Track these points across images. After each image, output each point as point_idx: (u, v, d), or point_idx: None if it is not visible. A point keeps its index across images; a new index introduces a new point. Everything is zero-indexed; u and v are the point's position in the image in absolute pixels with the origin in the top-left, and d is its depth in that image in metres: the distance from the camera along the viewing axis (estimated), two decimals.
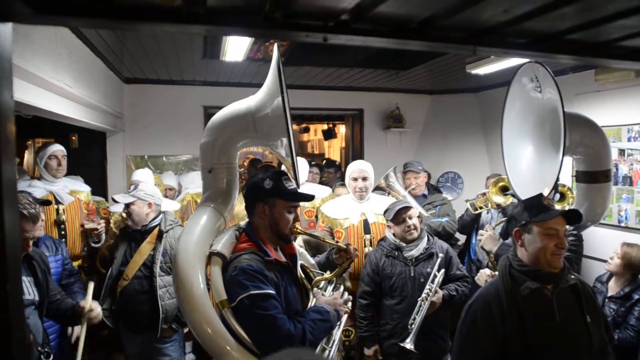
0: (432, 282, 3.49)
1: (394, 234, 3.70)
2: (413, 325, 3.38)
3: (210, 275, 2.40)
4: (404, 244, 3.64)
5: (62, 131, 6.10)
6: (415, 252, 3.59)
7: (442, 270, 3.55)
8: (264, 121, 2.48)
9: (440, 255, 3.59)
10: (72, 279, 3.69)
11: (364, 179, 4.14)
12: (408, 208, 3.65)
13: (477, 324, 2.28)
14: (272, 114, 2.42)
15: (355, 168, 4.20)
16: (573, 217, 2.39)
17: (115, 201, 3.70)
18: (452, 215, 5.06)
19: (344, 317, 2.64)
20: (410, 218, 3.62)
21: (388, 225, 3.78)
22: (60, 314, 2.95)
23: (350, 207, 4.17)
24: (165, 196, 5.04)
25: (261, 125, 2.50)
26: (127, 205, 3.62)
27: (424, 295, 3.43)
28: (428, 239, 3.70)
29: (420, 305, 3.41)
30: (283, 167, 2.78)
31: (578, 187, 3.39)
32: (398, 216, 3.64)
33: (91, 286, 2.99)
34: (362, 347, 3.71)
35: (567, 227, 2.38)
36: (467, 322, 2.34)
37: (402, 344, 3.35)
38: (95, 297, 3.07)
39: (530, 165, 3.25)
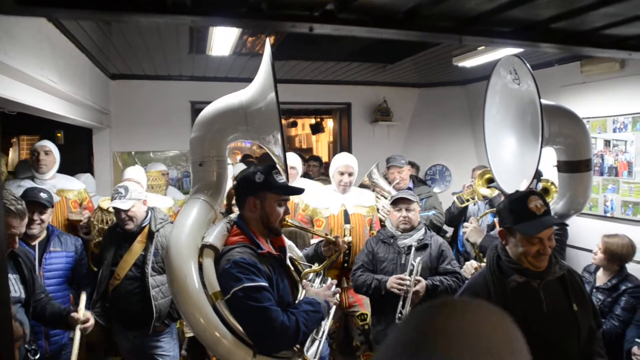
0: (411, 274, 3.51)
1: (391, 222, 3.79)
2: (402, 319, 3.39)
3: (202, 267, 2.40)
4: (399, 233, 3.71)
5: (47, 128, 6.06)
6: (409, 241, 3.65)
7: (419, 259, 3.56)
8: (256, 115, 2.49)
9: (431, 247, 3.63)
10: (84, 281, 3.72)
11: (350, 174, 4.23)
12: (410, 201, 3.72)
13: None
14: (264, 108, 2.43)
15: (342, 162, 4.26)
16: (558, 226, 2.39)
17: (116, 209, 3.55)
18: (438, 208, 5.07)
19: (333, 309, 2.66)
20: (407, 210, 3.70)
21: (388, 211, 3.90)
22: (46, 317, 2.91)
23: (331, 198, 4.25)
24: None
25: (253, 119, 2.51)
26: (127, 210, 3.53)
27: (405, 287, 3.45)
28: (425, 232, 3.76)
29: (405, 298, 3.43)
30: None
31: (560, 177, 3.42)
32: (396, 203, 3.74)
33: (83, 297, 2.95)
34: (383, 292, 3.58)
35: None
36: None
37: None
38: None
39: (513, 158, 3.28)
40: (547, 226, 2.24)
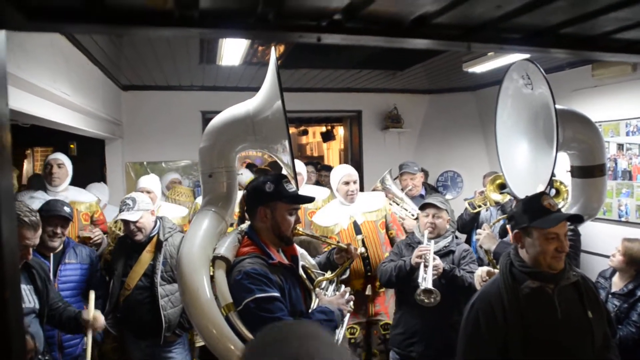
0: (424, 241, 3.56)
1: (419, 228, 3.79)
2: (423, 281, 3.33)
3: (214, 279, 2.40)
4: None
5: (60, 139, 6.12)
6: (435, 248, 3.61)
7: (433, 241, 3.57)
8: (263, 124, 2.50)
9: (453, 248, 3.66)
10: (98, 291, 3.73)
11: (355, 182, 4.19)
12: (438, 208, 3.69)
13: (480, 323, 2.27)
14: (271, 117, 2.43)
15: (345, 172, 4.21)
16: (574, 220, 2.40)
17: (125, 221, 3.60)
18: (450, 215, 5.04)
19: (347, 317, 2.65)
20: (434, 216, 3.67)
21: (401, 217, 3.88)
22: (63, 322, 2.96)
23: (338, 212, 4.19)
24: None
25: (260, 128, 2.52)
26: (136, 221, 3.56)
27: (426, 251, 3.45)
28: (452, 240, 3.75)
29: (426, 267, 3.39)
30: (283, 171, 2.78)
31: (573, 182, 3.39)
32: (424, 208, 3.73)
33: (92, 296, 2.98)
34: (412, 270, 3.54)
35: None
36: (470, 320, 2.34)
37: (421, 288, 3.30)
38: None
39: (525, 163, 3.26)
40: (564, 218, 2.27)
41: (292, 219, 2.53)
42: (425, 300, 3.31)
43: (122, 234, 4.03)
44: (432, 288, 3.27)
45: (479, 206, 4.84)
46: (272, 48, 2.44)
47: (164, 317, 3.52)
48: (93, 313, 2.90)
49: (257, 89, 2.60)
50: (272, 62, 2.39)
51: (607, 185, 3.93)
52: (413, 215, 4.59)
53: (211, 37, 3.43)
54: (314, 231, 4.20)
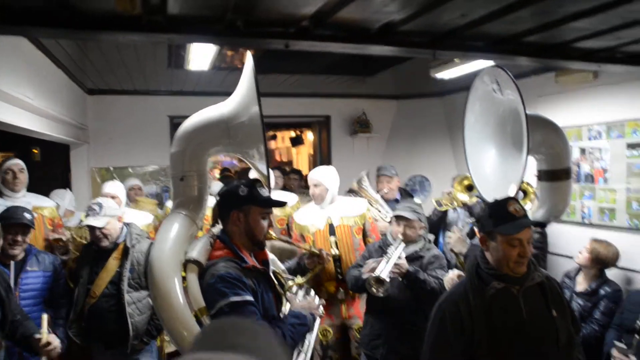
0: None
1: (391, 234, 3.77)
2: (380, 272, 3.34)
3: (186, 282, 2.38)
4: None
5: (23, 144, 5.97)
6: (405, 253, 3.60)
7: (402, 245, 3.56)
8: (239, 129, 2.48)
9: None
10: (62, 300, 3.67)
11: (315, 185, 4.22)
12: (408, 220, 3.66)
13: (446, 323, 2.30)
14: (247, 122, 2.42)
15: (309, 177, 4.32)
16: (538, 226, 2.45)
17: (90, 227, 3.50)
18: (424, 222, 5.09)
19: (317, 321, 2.66)
20: (406, 227, 3.65)
21: (375, 219, 3.91)
22: (17, 338, 2.84)
23: (316, 213, 4.24)
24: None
25: (236, 133, 2.50)
26: (102, 227, 3.47)
27: (374, 265, 3.44)
28: (424, 245, 3.74)
29: (388, 261, 3.40)
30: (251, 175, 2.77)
31: (540, 186, 3.47)
32: (396, 219, 3.71)
33: (45, 319, 2.82)
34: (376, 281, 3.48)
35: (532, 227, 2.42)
36: (436, 321, 2.36)
37: (373, 275, 3.32)
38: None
39: (494, 167, 3.31)
40: (527, 225, 2.30)
41: (265, 223, 2.53)
42: (374, 289, 3.32)
43: (80, 240, 3.96)
44: (384, 279, 3.28)
45: (446, 205, 4.89)
46: (249, 53, 2.43)
47: (131, 325, 3.46)
48: (46, 337, 2.74)
49: (226, 94, 2.58)
50: (249, 66, 2.37)
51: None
52: (386, 218, 4.62)
53: (180, 42, 3.40)
54: (294, 229, 4.27)
